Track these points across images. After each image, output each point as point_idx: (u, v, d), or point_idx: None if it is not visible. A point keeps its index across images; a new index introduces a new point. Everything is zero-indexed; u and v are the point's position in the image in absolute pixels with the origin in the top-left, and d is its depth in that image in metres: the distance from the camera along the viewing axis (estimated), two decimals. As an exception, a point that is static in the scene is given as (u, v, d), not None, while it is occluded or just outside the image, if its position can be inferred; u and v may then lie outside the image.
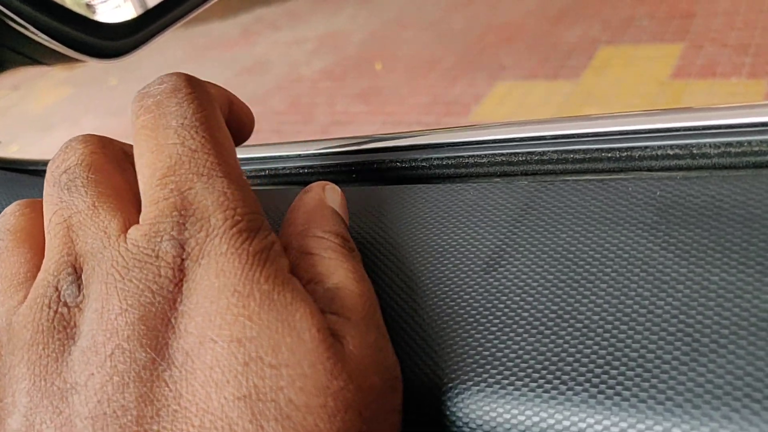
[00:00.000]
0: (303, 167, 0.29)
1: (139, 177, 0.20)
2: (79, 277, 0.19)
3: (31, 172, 0.41)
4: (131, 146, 0.22)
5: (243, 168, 0.31)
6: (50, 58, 0.48)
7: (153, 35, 0.46)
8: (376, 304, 0.19)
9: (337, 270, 0.19)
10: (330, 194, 0.22)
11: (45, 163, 0.41)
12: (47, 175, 0.22)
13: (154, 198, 0.18)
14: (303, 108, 3.33)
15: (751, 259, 0.17)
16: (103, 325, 0.17)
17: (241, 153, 0.32)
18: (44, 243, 0.21)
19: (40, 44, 0.45)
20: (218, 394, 0.16)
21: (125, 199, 0.20)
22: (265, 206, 0.23)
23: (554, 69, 2.95)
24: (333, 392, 0.16)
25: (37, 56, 0.49)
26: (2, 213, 0.23)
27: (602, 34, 3.10)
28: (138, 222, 0.19)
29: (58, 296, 0.18)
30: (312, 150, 0.29)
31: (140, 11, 0.47)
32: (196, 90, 0.20)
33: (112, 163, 0.21)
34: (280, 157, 0.30)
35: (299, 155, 0.30)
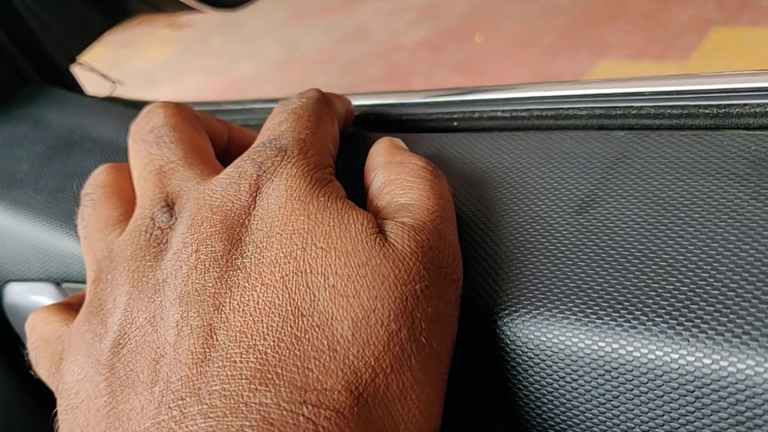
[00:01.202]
0: (406, 114, 0.31)
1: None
2: (171, 208, 0.22)
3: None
4: (204, 115, 0.27)
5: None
6: (170, 6, 0.52)
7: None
8: (444, 219, 0.21)
9: (413, 189, 0.22)
10: (398, 142, 0.25)
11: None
12: (132, 135, 0.26)
13: (255, 142, 0.23)
14: (400, 77, 3.34)
15: None
16: (192, 229, 0.21)
17: (352, 100, 0.34)
18: (131, 195, 0.25)
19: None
20: (281, 271, 0.19)
21: (210, 155, 0.25)
22: (363, 150, 0.26)
23: (661, 49, 2.84)
24: (372, 266, 0.19)
25: (159, 4, 0.52)
26: (91, 174, 0.26)
27: (716, 14, 2.96)
28: (219, 171, 0.23)
29: (153, 223, 0.22)
30: (416, 99, 0.31)
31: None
32: (321, 95, 0.26)
33: (190, 124, 0.25)
34: (386, 104, 0.32)
35: (403, 104, 0.31)
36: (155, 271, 0.21)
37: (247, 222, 0.21)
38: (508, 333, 0.20)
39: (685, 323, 0.17)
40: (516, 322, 0.20)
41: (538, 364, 0.20)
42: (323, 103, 0.26)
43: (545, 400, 0.20)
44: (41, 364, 0.24)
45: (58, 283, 0.35)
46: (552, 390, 0.20)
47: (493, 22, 3.59)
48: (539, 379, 0.20)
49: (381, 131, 0.32)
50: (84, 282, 0.33)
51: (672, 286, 0.18)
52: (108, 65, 0.54)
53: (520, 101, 0.28)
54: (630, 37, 3.00)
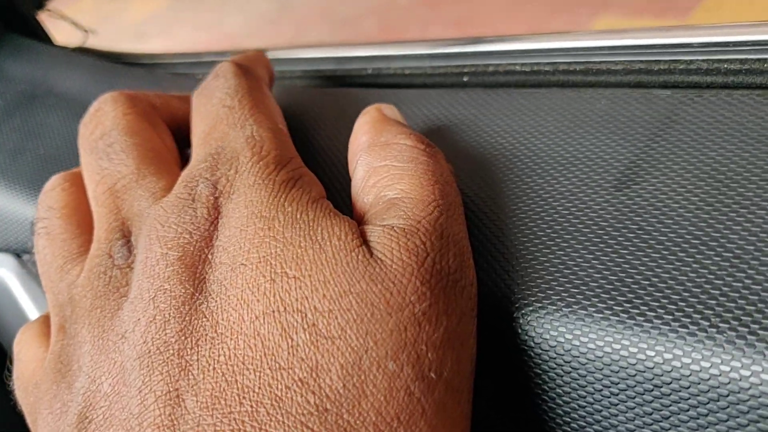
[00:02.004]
0: (409, 68, 0.27)
1: (192, 140, 0.21)
2: (128, 240, 0.20)
3: (125, 63, 0.40)
4: (158, 96, 0.24)
5: (344, 67, 0.29)
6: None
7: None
8: (444, 211, 0.17)
9: (402, 179, 0.18)
10: (388, 111, 0.21)
11: (139, 56, 0.41)
12: (81, 141, 0.23)
13: (197, 153, 0.20)
14: (395, 34, 3.26)
15: None
16: (147, 272, 0.18)
17: (343, 52, 0.30)
18: (89, 214, 0.22)
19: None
20: (249, 313, 0.16)
21: (166, 160, 0.21)
22: (357, 108, 0.22)
23: (662, 7, 2.78)
24: (356, 294, 0.16)
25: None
26: (43, 190, 0.23)
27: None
28: (174, 181, 0.20)
29: (111, 261, 0.19)
30: (420, 50, 0.27)
31: None
32: (240, 69, 0.22)
33: (145, 122, 0.22)
34: (386, 56, 0.28)
35: (405, 55, 0.27)
36: (114, 325, 0.18)
37: (209, 256, 0.17)
38: (532, 334, 0.17)
39: (760, 332, 0.14)
40: (540, 321, 0.16)
41: (570, 373, 0.16)
42: (246, 77, 0.22)
43: (568, 402, 0.17)
44: (25, 410, 0.21)
45: (18, 255, 0.31)
46: (581, 396, 0.16)
47: (491, -23, 3.50)
48: (566, 386, 0.17)
49: (380, 88, 0.28)
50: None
51: (740, 284, 0.15)
52: (95, 18, 0.50)
53: (543, 53, 0.24)
54: (631, -7, 2.93)
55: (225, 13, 4.13)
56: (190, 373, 0.16)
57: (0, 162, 0.32)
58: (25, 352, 0.22)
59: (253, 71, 0.23)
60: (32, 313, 0.31)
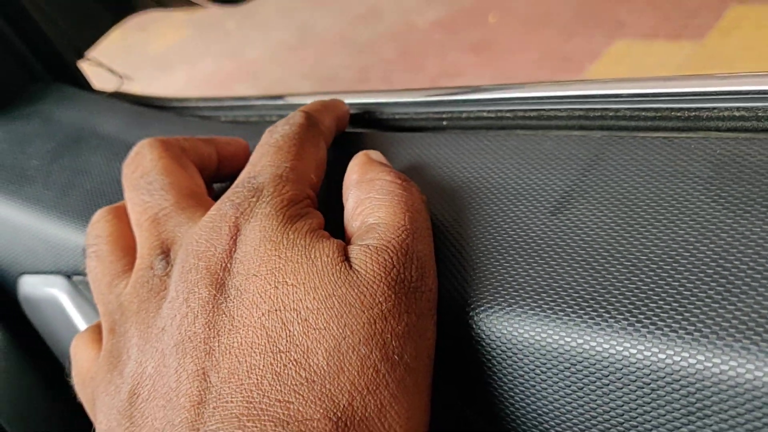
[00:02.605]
0: (399, 114, 0.32)
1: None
2: (167, 255, 0.24)
3: (157, 107, 0.46)
4: (186, 140, 0.28)
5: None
6: (175, 2, 0.53)
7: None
8: (411, 233, 0.22)
9: (380, 208, 0.23)
10: (374, 155, 0.26)
11: (169, 100, 0.46)
12: (124, 179, 0.28)
13: (239, 177, 0.25)
14: (413, 58, 3.33)
15: None
16: (182, 277, 0.23)
17: (346, 98, 0.35)
18: (133, 242, 0.26)
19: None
20: (258, 311, 0.21)
21: (198, 194, 0.26)
22: (356, 149, 0.27)
23: (677, 28, 2.81)
24: (338, 296, 0.20)
25: (165, 0, 0.53)
26: (91, 221, 0.28)
27: (735, -9, 2.93)
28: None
29: (152, 272, 0.24)
30: (409, 98, 0.32)
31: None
32: (306, 120, 0.27)
33: (177, 164, 0.27)
34: (380, 104, 0.33)
35: (396, 102, 0.32)
36: (156, 321, 0.23)
37: (229, 266, 0.22)
38: (484, 329, 0.21)
39: (644, 320, 0.19)
40: (491, 318, 0.21)
41: (511, 357, 0.21)
42: (308, 127, 0.27)
43: (519, 392, 0.21)
44: (83, 400, 0.26)
45: (69, 276, 0.37)
46: (524, 382, 0.21)
47: (506, 2, 3.56)
48: (512, 371, 0.21)
49: (376, 129, 0.33)
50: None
51: (634, 285, 0.19)
52: (123, 48, 0.55)
53: (506, 101, 0.29)
54: (645, 16, 2.97)
55: (247, 42, 4.22)
56: (213, 356, 0.21)
57: (52, 197, 0.38)
58: (80, 355, 0.27)
59: (319, 122, 0.28)
60: (81, 324, 0.36)
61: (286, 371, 0.20)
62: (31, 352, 0.42)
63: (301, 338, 0.20)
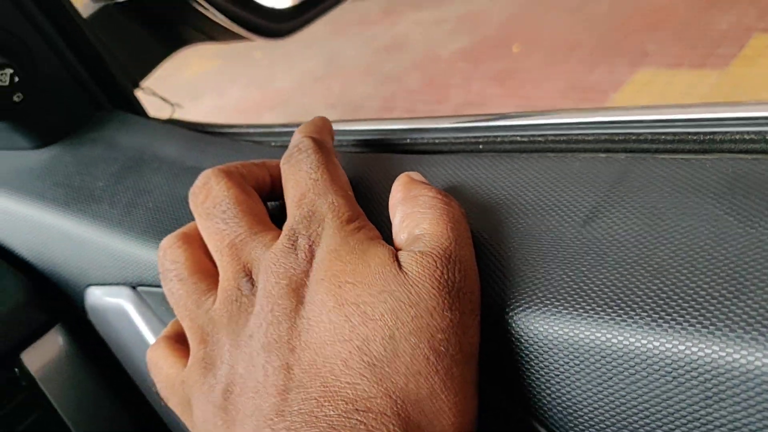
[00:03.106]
0: (439, 138, 0.35)
1: (286, 200, 0.30)
2: (250, 277, 0.28)
3: (209, 133, 0.49)
4: (243, 166, 0.32)
5: (384, 138, 0.37)
6: (223, 36, 0.57)
7: (314, 18, 0.54)
8: (453, 241, 0.25)
9: (424, 221, 0.26)
10: (414, 175, 0.29)
11: (220, 126, 0.49)
12: (196, 208, 0.31)
13: (294, 214, 0.28)
14: (438, 88, 3.38)
15: None
16: (266, 295, 0.26)
17: (387, 125, 0.38)
18: (208, 265, 0.30)
19: (217, 24, 0.53)
20: (326, 308, 0.24)
21: (265, 220, 0.30)
22: (399, 170, 0.30)
23: (701, 57, 2.83)
24: (390, 292, 0.24)
25: (213, 34, 0.57)
26: (161, 247, 0.31)
27: (758, 21, 2.95)
28: (277, 233, 0.29)
29: (240, 292, 0.27)
30: (449, 124, 0.35)
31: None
32: (316, 145, 0.30)
33: (243, 192, 0.30)
34: (422, 129, 0.36)
35: (437, 128, 0.35)
36: (245, 330, 0.27)
37: (306, 281, 0.26)
38: (522, 327, 0.24)
39: (665, 317, 0.21)
40: (528, 318, 0.24)
41: (547, 352, 0.24)
42: (321, 152, 0.30)
43: (554, 384, 0.24)
44: (173, 403, 0.30)
45: (134, 287, 0.40)
46: (559, 374, 0.24)
47: (530, 32, 3.61)
48: (548, 365, 0.24)
49: (418, 153, 0.36)
50: (157, 286, 0.38)
51: (656, 287, 0.22)
52: (156, 77, 0.59)
53: (537, 127, 0.31)
54: (669, 45, 3.00)
55: (274, 71, 4.29)
56: (295, 352, 0.24)
57: (117, 214, 0.41)
58: (161, 364, 0.30)
59: (325, 143, 0.31)
60: (144, 330, 0.39)
61: (351, 358, 0.23)
62: (96, 359, 0.45)
63: (361, 328, 0.23)
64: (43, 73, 0.48)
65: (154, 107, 0.57)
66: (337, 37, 4.40)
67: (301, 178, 0.29)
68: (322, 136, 0.32)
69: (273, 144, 0.44)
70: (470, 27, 3.92)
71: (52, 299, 0.45)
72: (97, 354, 0.45)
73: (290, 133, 0.44)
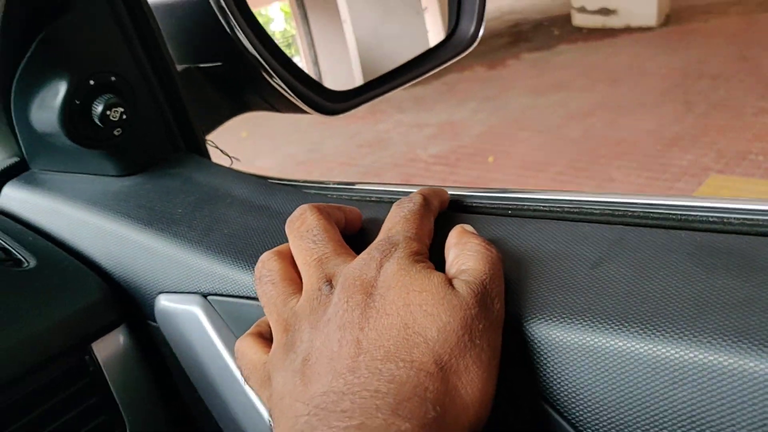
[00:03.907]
0: (476, 202, 0.45)
1: (381, 231, 0.39)
2: (330, 283, 0.36)
3: (288, 186, 0.59)
4: (328, 206, 0.42)
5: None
6: (284, 107, 0.67)
7: (364, 101, 0.65)
8: (489, 277, 0.35)
9: (470, 259, 0.36)
10: (467, 227, 0.39)
11: (276, 179, 0.59)
12: (291, 231, 0.40)
13: (379, 238, 0.37)
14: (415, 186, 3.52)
15: (741, 274, 0.32)
16: (343, 290, 0.35)
17: (451, 190, 0.48)
18: (294, 276, 0.39)
19: (282, 96, 0.64)
20: (395, 306, 0.33)
21: (343, 243, 0.39)
22: (438, 227, 0.40)
23: (663, 189, 3.04)
24: (446, 300, 0.33)
25: (276, 104, 0.67)
26: (261, 259, 0.40)
27: (715, 162, 3.19)
28: (355, 256, 0.37)
29: (321, 293, 0.36)
30: (487, 193, 0.45)
31: (358, 84, 0.66)
32: (424, 200, 0.40)
33: (330, 223, 0.40)
34: (465, 195, 0.46)
35: (478, 195, 0.46)
36: (324, 316, 0.35)
37: (375, 283, 0.34)
38: (543, 339, 0.33)
39: (648, 329, 0.31)
40: (549, 331, 0.33)
41: (557, 357, 0.33)
42: (424, 206, 0.40)
43: (561, 374, 0.33)
44: (253, 381, 0.38)
45: (205, 296, 0.48)
46: (565, 367, 0.33)
47: (506, 146, 3.82)
48: (557, 361, 0.33)
49: (465, 212, 0.46)
50: (227, 296, 0.47)
51: (643, 310, 0.32)
52: None
53: (555, 201, 0.42)
54: (634, 174, 3.21)
55: (258, 150, 4.40)
56: (364, 330, 0.33)
57: (195, 235, 0.50)
58: (248, 352, 0.38)
59: (431, 202, 0.41)
60: (211, 332, 0.47)
61: (411, 338, 0.32)
62: (156, 360, 0.53)
63: (421, 320, 0.32)
64: (141, 114, 0.57)
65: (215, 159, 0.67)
66: (321, 129, 4.57)
67: (397, 216, 0.39)
68: (431, 198, 0.42)
69: (329, 196, 0.53)
70: (449, 134, 4.13)
71: (124, 302, 0.53)
72: (159, 355, 0.53)
73: (342, 189, 0.53)
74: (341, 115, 0.64)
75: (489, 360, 0.32)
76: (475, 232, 0.39)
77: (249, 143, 4.52)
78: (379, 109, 4.70)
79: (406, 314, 0.33)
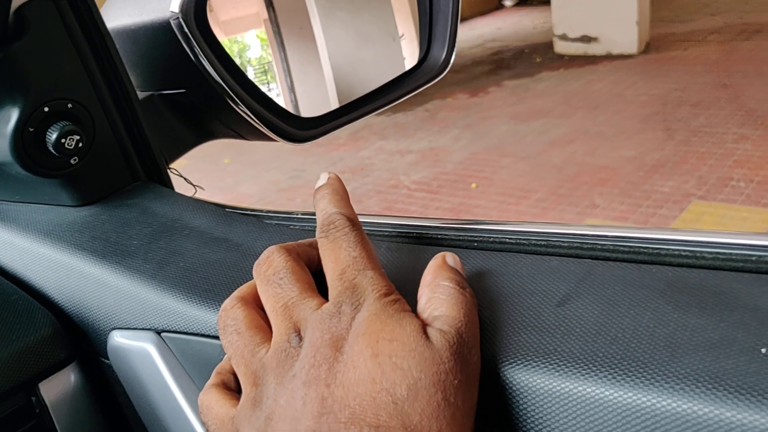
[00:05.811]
0: (441, 235, 0.43)
1: (326, 272, 0.36)
2: (299, 334, 0.34)
3: (249, 215, 0.56)
4: (297, 245, 0.39)
5: (395, 231, 0.45)
6: (250, 135, 0.65)
7: (332, 129, 0.63)
8: (464, 324, 0.32)
9: (443, 305, 0.33)
10: (449, 258, 0.37)
11: (240, 208, 0.57)
12: (259, 275, 0.38)
13: (336, 285, 0.35)
14: (396, 212, 3.52)
15: (715, 312, 0.30)
16: (311, 344, 0.33)
17: (395, 220, 0.46)
18: (262, 323, 0.37)
19: (247, 124, 0.62)
20: (363, 358, 0.31)
21: (313, 287, 0.37)
22: (406, 260, 0.37)
23: (645, 215, 3.05)
24: (419, 352, 0.31)
25: (242, 132, 0.65)
26: (223, 307, 0.38)
27: (696, 189, 3.21)
28: (322, 300, 0.35)
29: (289, 344, 0.34)
30: (451, 224, 0.43)
31: (326, 111, 0.64)
32: (349, 222, 0.37)
33: (298, 264, 0.37)
34: (433, 227, 0.44)
35: (436, 226, 0.44)
36: (289, 372, 0.32)
37: (346, 337, 0.32)
38: (509, 381, 0.31)
39: (618, 374, 0.29)
40: (514, 374, 0.31)
41: (527, 397, 0.31)
42: (357, 229, 0.37)
43: (533, 421, 0.31)
44: None
45: (158, 332, 0.46)
46: (536, 414, 0.31)
47: (488, 173, 3.82)
48: (527, 407, 0.31)
49: (431, 245, 0.44)
50: (181, 332, 0.44)
51: (612, 352, 0.30)
52: None
53: (522, 233, 0.40)
54: (616, 201, 3.22)
55: (240, 177, 4.38)
56: (330, 388, 0.30)
57: (150, 268, 0.48)
58: (213, 405, 0.36)
59: (356, 220, 0.38)
60: (165, 373, 0.45)
61: (379, 396, 0.30)
62: (107, 399, 0.50)
63: (390, 374, 0.30)
64: (99, 142, 0.55)
65: (176, 187, 0.64)
66: (303, 155, 4.56)
67: (341, 255, 0.36)
68: (349, 210, 0.38)
69: (292, 227, 0.51)
70: (431, 161, 4.14)
71: (75, 338, 0.51)
72: (111, 394, 0.50)
73: (306, 220, 0.51)
74: (324, 143, 0.63)
75: (463, 418, 0.30)
76: (457, 264, 0.36)
77: (231, 170, 4.50)
78: (362, 136, 4.70)
79: (374, 367, 0.30)
